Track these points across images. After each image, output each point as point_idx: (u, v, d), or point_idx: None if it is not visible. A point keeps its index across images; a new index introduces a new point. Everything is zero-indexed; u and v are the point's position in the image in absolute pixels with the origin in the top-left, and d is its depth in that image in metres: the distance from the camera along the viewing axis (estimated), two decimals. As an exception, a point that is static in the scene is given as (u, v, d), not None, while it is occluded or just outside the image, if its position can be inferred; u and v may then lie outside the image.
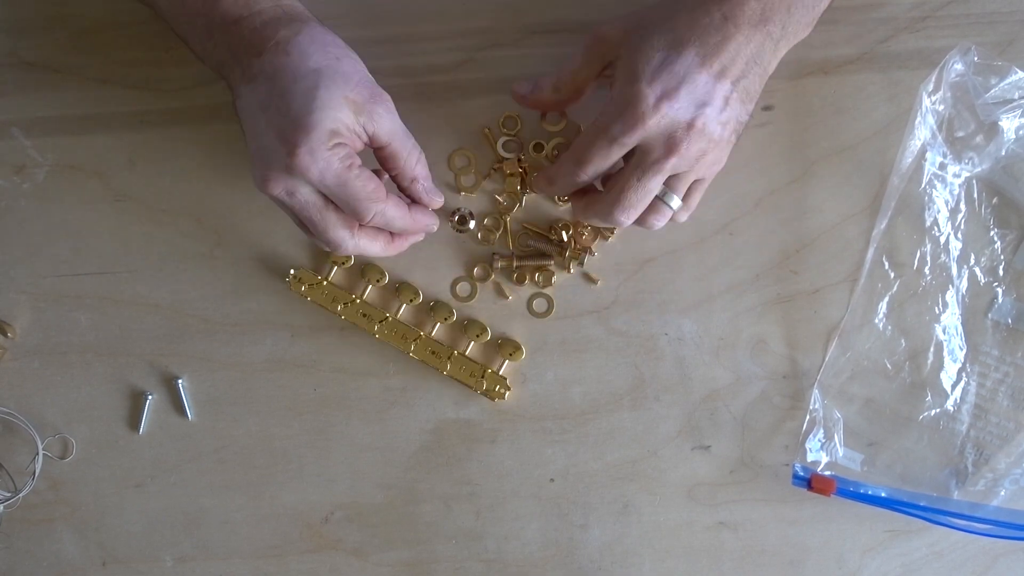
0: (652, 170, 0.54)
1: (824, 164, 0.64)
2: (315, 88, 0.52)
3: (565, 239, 0.64)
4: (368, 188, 0.54)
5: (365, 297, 0.65)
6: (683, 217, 0.59)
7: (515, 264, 0.64)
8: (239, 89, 0.55)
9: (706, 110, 0.53)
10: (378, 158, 0.57)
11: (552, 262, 0.65)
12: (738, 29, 0.53)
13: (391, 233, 0.59)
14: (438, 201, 0.60)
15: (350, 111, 0.53)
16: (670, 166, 0.54)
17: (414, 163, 0.57)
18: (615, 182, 0.56)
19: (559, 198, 0.65)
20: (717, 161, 0.56)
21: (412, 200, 0.59)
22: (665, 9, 0.55)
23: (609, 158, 0.55)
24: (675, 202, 0.57)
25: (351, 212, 0.55)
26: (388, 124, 0.55)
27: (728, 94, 0.54)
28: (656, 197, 0.56)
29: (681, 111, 0.53)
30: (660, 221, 0.58)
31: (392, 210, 0.56)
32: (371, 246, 0.58)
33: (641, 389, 0.65)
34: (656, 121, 0.53)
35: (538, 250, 0.65)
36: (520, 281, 0.65)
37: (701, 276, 0.65)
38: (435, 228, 0.61)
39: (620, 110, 0.53)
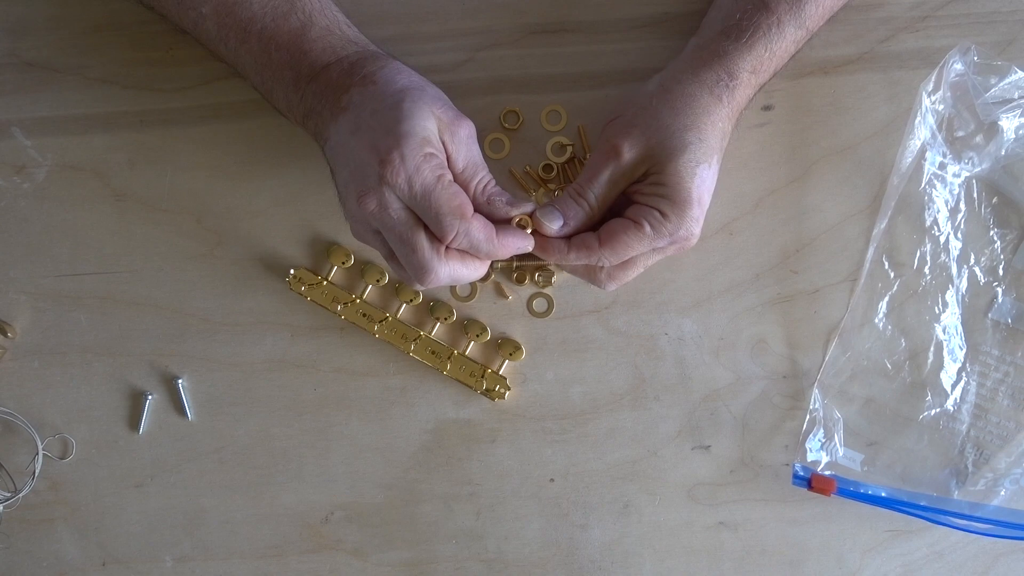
0: (659, 257, 0.58)
1: (824, 164, 0.64)
2: (402, 101, 0.53)
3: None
4: (454, 202, 0.52)
5: (365, 297, 0.65)
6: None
7: (515, 264, 0.64)
8: (329, 129, 0.55)
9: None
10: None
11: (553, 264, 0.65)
12: (732, 124, 0.58)
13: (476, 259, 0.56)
14: (527, 206, 0.56)
15: (435, 126, 0.53)
16: (673, 252, 0.58)
17: (484, 186, 0.55)
18: (625, 262, 0.57)
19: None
20: None
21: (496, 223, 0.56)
22: (684, 113, 0.56)
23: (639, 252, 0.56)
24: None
25: (435, 228, 0.53)
26: (466, 149, 0.55)
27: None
28: None
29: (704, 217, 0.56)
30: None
31: (477, 231, 0.53)
32: (462, 270, 0.55)
33: (641, 389, 0.65)
34: (698, 233, 0.56)
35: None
36: (520, 281, 0.65)
37: (701, 276, 0.65)
38: (530, 247, 0.56)
39: (674, 233, 0.55)
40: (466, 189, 0.55)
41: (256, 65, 0.58)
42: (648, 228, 0.55)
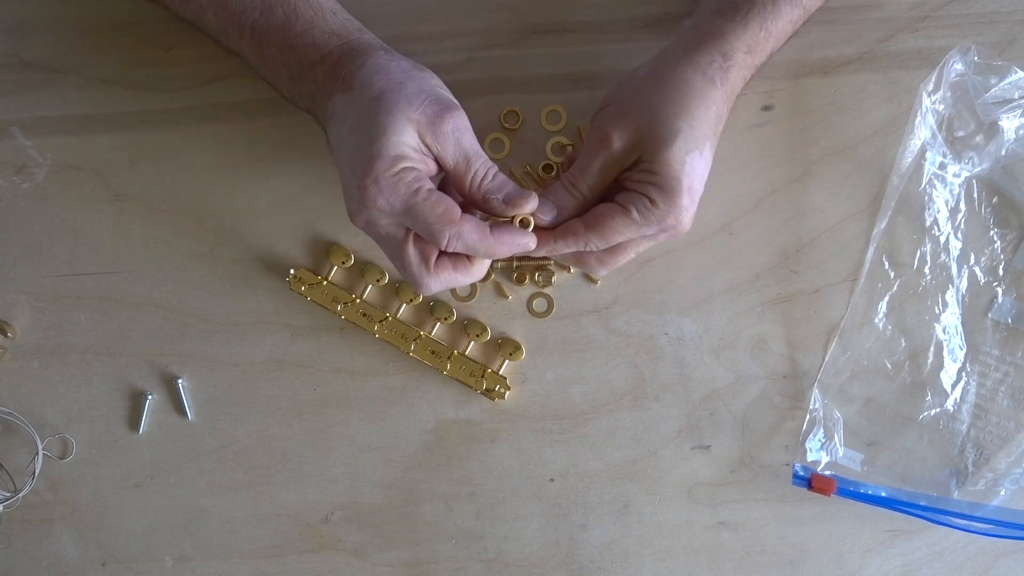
0: (653, 241, 0.57)
1: (824, 164, 0.64)
2: (375, 115, 0.51)
3: None
4: (437, 210, 0.51)
5: (365, 297, 0.65)
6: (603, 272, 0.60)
7: (515, 264, 0.64)
8: (326, 131, 0.55)
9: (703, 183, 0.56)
10: (449, 181, 0.55)
11: (552, 261, 0.64)
12: (728, 107, 0.57)
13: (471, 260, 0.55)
14: (526, 205, 0.54)
15: (414, 131, 0.52)
16: (665, 238, 0.57)
17: (479, 180, 0.54)
18: (615, 248, 0.57)
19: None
20: None
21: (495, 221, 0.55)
22: (675, 99, 0.54)
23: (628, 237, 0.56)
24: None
25: (428, 237, 0.52)
26: (454, 144, 0.53)
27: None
28: None
29: (696, 204, 0.55)
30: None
31: (470, 232, 0.52)
32: (457, 277, 0.54)
33: (641, 389, 0.65)
34: (688, 222, 0.55)
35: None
36: (520, 281, 0.65)
37: (701, 276, 0.65)
38: (533, 246, 0.55)
39: (663, 220, 0.54)
40: (460, 186, 0.54)
41: (255, 59, 0.58)
42: (636, 215, 0.54)
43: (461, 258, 0.54)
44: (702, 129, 0.54)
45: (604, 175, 0.55)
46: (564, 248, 0.56)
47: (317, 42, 0.56)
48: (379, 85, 0.53)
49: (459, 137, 0.53)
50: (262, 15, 0.56)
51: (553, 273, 0.65)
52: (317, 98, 0.55)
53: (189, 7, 0.59)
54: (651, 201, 0.54)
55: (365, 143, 0.51)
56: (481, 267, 0.55)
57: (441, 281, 0.54)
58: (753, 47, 0.56)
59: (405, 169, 0.51)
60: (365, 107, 0.52)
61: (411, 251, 0.53)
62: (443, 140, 0.52)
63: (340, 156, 0.54)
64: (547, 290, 0.65)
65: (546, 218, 0.55)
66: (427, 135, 0.52)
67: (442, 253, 0.54)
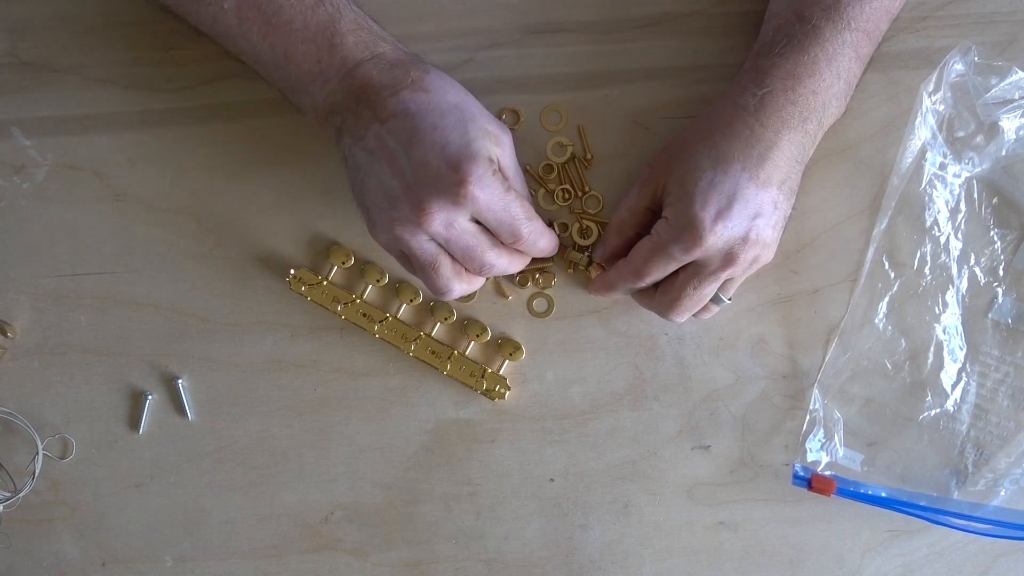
0: (708, 280, 0.57)
1: (824, 164, 0.64)
2: (466, 121, 0.54)
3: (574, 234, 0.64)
4: (526, 208, 0.56)
5: (365, 297, 0.65)
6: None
7: None
8: (369, 129, 0.55)
9: (758, 221, 0.55)
10: None
11: (552, 263, 0.65)
12: (779, 136, 0.55)
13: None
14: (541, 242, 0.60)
15: (491, 143, 0.54)
16: (725, 275, 0.57)
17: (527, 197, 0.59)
18: (670, 287, 0.58)
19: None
20: (767, 258, 0.58)
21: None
22: (702, 128, 0.57)
23: (667, 271, 0.58)
24: (725, 303, 0.60)
25: (508, 234, 0.56)
26: (510, 159, 0.57)
27: (776, 199, 0.56)
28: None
29: (736, 228, 0.54)
30: (708, 315, 0.61)
31: (540, 229, 0.57)
32: (513, 263, 0.58)
33: (641, 389, 0.65)
34: (713, 242, 0.54)
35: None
36: (523, 284, 0.65)
37: (701, 276, 0.65)
38: (556, 251, 0.62)
39: (678, 233, 0.55)
40: None
41: (278, 59, 0.57)
42: (656, 235, 0.56)
43: (513, 248, 0.58)
44: (721, 150, 0.55)
45: (636, 201, 0.59)
46: (617, 284, 0.60)
47: (366, 41, 0.57)
48: (454, 94, 0.56)
49: (513, 154, 0.58)
50: (300, 13, 0.56)
51: (554, 276, 0.65)
52: (361, 96, 0.55)
53: (207, 11, 0.58)
54: (666, 218, 0.56)
55: (462, 142, 0.53)
56: (527, 258, 0.60)
57: (505, 262, 0.58)
58: (796, 73, 0.55)
59: (496, 171, 0.54)
60: (448, 111, 0.54)
61: (487, 238, 0.56)
62: (505, 156, 0.56)
63: (407, 153, 0.54)
64: (547, 290, 0.65)
65: (596, 252, 0.63)
66: (497, 146, 0.55)
67: None
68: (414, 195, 0.53)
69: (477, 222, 0.55)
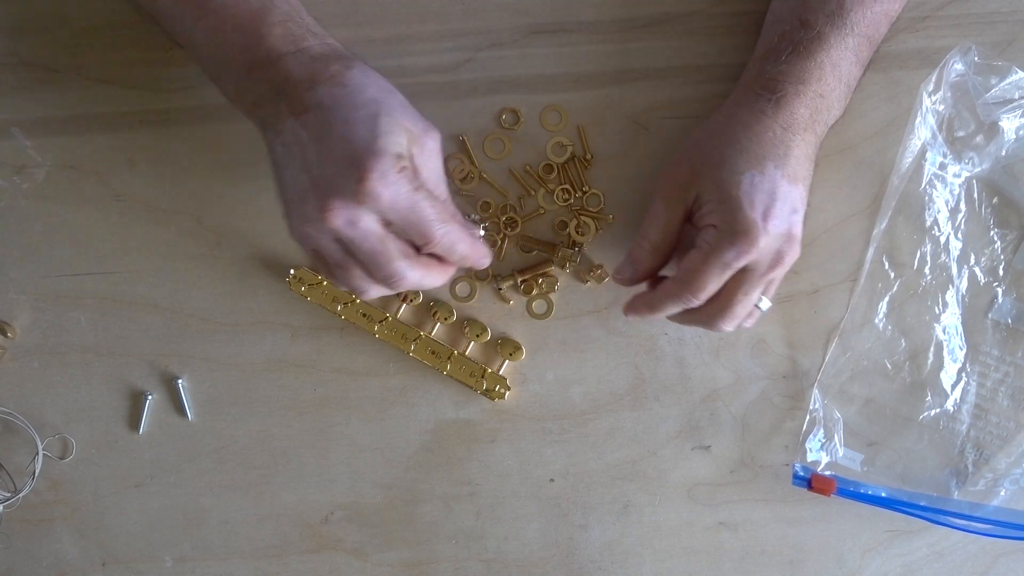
0: (759, 283, 0.56)
1: (824, 164, 0.64)
2: (377, 115, 0.52)
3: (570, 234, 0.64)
4: (436, 209, 0.53)
5: (365, 297, 0.65)
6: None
7: (519, 279, 0.65)
8: (285, 124, 0.53)
9: (795, 217, 0.56)
10: None
11: (553, 267, 0.65)
12: (795, 135, 0.56)
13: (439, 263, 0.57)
14: (477, 230, 0.59)
15: (406, 139, 0.52)
16: (773, 276, 0.57)
17: (450, 203, 0.56)
18: (719, 296, 0.57)
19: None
20: (797, 255, 0.57)
21: None
22: (723, 134, 0.57)
23: (723, 281, 0.56)
24: (766, 304, 0.59)
25: (418, 236, 0.53)
26: (432, 162, 0.54)
27: (803, 195, 0.57)
28: None
29: (781, 224, 0.55)
30: (751, 321, 0.59)
31: (457, 232, 0.54)
32: (428, 277, 0.55)
33: (641, 389, 0.65)
34: (767, 242, 0.54)
35: (540, 256, 0.65)
36: (528, 292, 0.65)
37: (701, 276, 0.65)
38: (488, 262, 0.58)
39: (731, 237, 0.54)
40: None
41: (209, 46, 0.56)
42: (705, 245, 0.55)
43: (433, 258, 0.55)
44: (752, 152, 0.55)
45: (669, 217, 0.57)
46: (667, 305, 0.58)
47: (294, 34, 0.55)
48: (373, 89, 0.53)
49: (437, 156, 0.55)
50: (233, 0, 0.55)
51: (556, 280, 0.65)
52: (281, 88, 0.54)
53: None
54: (714, 226, 0.55)
55: (368, 138, 0.51)
56: (450, 271, 0.57)
57: (417, 276, 0.54)
58: (804, 78, 0.56)
59: (404, 169, 0.52)
60: (364, 106, 0.52)
61: (394, 243, 0.53)
62: (426, 156, 0.54)
63: (315, 148, 0.52)
64: (549, 293, 0.65)
65: (623, 275, 0.59)
66: (415, 146, 0.53)
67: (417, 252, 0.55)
68: (319, 191, 0.52)
69: (390, 226, 0.53)
